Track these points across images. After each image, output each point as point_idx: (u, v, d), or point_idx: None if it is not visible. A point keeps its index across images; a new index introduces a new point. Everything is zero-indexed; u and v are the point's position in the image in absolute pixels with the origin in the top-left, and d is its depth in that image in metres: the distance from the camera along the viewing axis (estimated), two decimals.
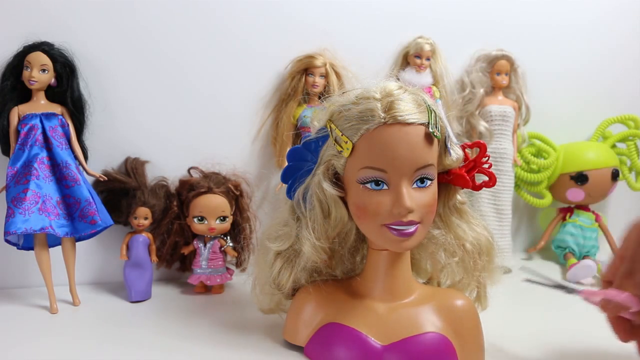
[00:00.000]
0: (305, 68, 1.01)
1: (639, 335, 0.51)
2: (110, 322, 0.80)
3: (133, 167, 0.95)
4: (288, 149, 0.68)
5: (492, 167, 0.66)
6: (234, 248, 0.97)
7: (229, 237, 0.97)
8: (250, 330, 0.76)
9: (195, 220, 0.93)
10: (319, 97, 1.01)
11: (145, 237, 0.94)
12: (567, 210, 1.20)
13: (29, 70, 0.85)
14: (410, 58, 1.08)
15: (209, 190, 0.93)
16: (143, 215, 0.92)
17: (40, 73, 0.85)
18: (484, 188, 0.66)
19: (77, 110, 0.89)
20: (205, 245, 0.95)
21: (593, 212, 1.19)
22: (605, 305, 0.52)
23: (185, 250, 0.97)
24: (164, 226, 0.96)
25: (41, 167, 0.84)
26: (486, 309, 0.72)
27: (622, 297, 0.50)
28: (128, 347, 0.71)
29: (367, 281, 0.67)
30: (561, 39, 1.24)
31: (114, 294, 0.93)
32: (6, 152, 0.88)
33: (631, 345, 0.67)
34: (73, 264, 0.88)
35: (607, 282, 0.56)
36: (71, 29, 0.92)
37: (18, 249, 0.88)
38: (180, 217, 0.96)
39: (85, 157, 0.91)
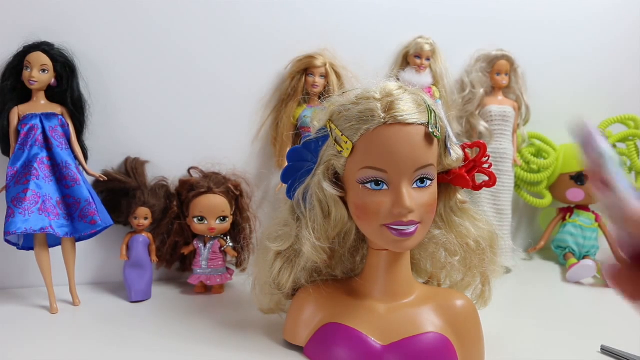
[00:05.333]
0: (305, 68, 1.01)
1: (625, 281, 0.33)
2: (110, 322, 0.80)
3: (133, 167, 0.95)
4: (288, 149, 0.68)
5: (492, 167, 0.66)
6: (234, 248, 0.97)
7: (229, 237, 0.97)
8: (250, 330, 0.76)
9: (195, 220, 0.93)
10: (319, 97, 1.01)
11: (145, 237, 0.94)
12: (567, 210, 1.20)
13: (29, 70, 0.85)
14: (410, 58, 1.08)
15: (209, 190, 0.93)
16: (143, 215, 0.92)
17: (40, 73, 0.85)
18: (484, 188, 0.66)
19: (77, 110, 0.89)
20: (205, 245, 0.95)
21: (593, 212, 1.19)
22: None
23: (185, 250, 0.97)
24: (164, 226, 0.96)
25: (41, 167, 0.84)
26: (487, 306, 0.72)
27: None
28: (128, 347, 0.71)
29: (367, 281, 0.67)
30: (561, 39, 1.24)
31: (114, 294, 0.93)
32: (6, 152, 0.88)
33: (634, 342, 0.67)
34: (73, 264, 0.88)
35: None
36: (71, 29, 0.92)
37: (18, 249, 0.88)
38: (180, 217, 0.96)
39: (85, 157, 0.91)
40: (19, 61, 0.86)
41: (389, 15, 1.10)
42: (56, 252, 0.87)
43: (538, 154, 1.21)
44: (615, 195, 0.28)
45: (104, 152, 0.96)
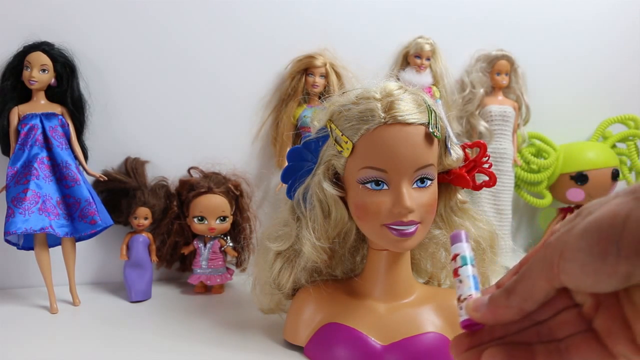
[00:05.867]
0: (305, 68, 1.01)
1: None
2: (110, 322, 0.80)
3: (133, 167, 0.95)
4: (288, 149, 0.68)
5: (492, 167, 0.66)
6: (234, 248, 0.97)
7: (229, 237, 0.97)
8: (250, 330, 0.76)
9: (196, 220, 0.93)
10: (319, 97, 1.01)
11: (145, 237, 0.94)
12: (567, 210, 1.20)
13: (29, 70, 0.85)
14: (411, 58, 1.08)
15: (209, 190, 0.93)
16: (143, 215, 0.92)
17: (40, 73, 0.85)
18: (484, 188, 0.66)
19: (77, 110, 0.89)
20: (205, 245, 0.95)
21: None
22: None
23: (185, 250, 0.97)
24: (164, 226, 0.96)
25: (41, 167, 0.84)
26: None
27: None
28: (128, 347, 0.71)
29: (367, 281, 0.67)
30: (561, 39, 1.24)
31: (114, 294, 0.93)
32: (6, 152, 0.88)
33: None
34: (73, 264, 0.88)
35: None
36: (71, 29, 0.92)
37: (18, 249, 0.88)
38: (180, 217, 0.96)
39: (85, 157, 0.91)
40: (19, 61, 0.86)
41: (389, 16, 1.10)
42: (56, 252, 0.87)
43: (538, 154, 1.21)
44: (457, 283, 0.37)
45: (104, 152, 0.96)
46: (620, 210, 0.26)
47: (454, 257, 0.39)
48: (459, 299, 0.36)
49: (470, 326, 0.34)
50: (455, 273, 0.38)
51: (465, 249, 0.39)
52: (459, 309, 0.36)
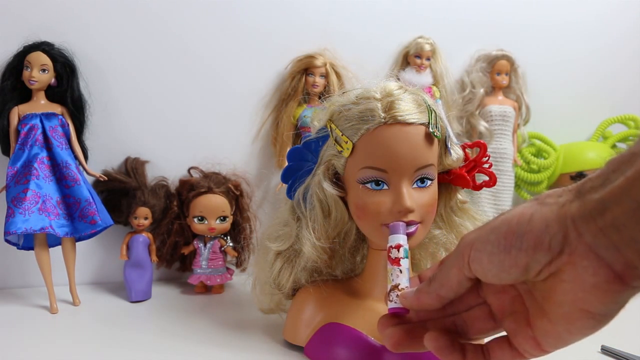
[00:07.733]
0: (305, 68, 1.01)
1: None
2: (110, 322, 0.80)
3: (133, 167, 0.95)
4: (288, 149, 0.68)
5: (493, 167, 0.66)
6: (234, 248, 0.97)
7: (229, 237, 0.97)
8: (250, 330, 0.76)
9: (196, 220, 0.93)
10: (319, 97, 1.01)
11: (145, 237, 0.94)
12: None
13: (29, 70, 0.85)
14: (411, 58, 1.08)
15: (209, 190, 0.93)
16: (143, 215, 0.92)
17: (40, 73, 0.85)
18: (484, 188, 0.66)
19: (77, 110, 0.89)
20: (205, 245, 0.95)
21: None
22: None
23: (186, 250, 0.97)
24: (164, 226, 0.96)
25: (41, 167, 0.84)
26: None
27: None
28: (128, 347, 0.71)
29: (367, 281, 0.67)
30: (561, 39, 1.24)
31: (114, 294, 0.93)
32: (6, 152, 0.88)
33: (634, 342, 0.67)
34: (73, 264, 0.88)
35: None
36: (71, 29, 0.92)
37: (18, 249, 0.88)
38: (180, 217, 0.96)
39: (85, 157, 0.91)
40: (19, 61, 0.86)
41: (389, 15, 1.10)
42: (56, 252, 0.87)
43: (538, 154, 1.21)
44: (397, 272, 0.42)
45: (104, 152, 0.96)
46: (526, 211, 0.31)
47: (397, 247, 0.43)
48: (396, 287, 0.40)
49: (396, 314, 0.39)
50: (397, 262, 0.42)
51: (405, 241, 0.44)
52: (393, 295, 0.40)
